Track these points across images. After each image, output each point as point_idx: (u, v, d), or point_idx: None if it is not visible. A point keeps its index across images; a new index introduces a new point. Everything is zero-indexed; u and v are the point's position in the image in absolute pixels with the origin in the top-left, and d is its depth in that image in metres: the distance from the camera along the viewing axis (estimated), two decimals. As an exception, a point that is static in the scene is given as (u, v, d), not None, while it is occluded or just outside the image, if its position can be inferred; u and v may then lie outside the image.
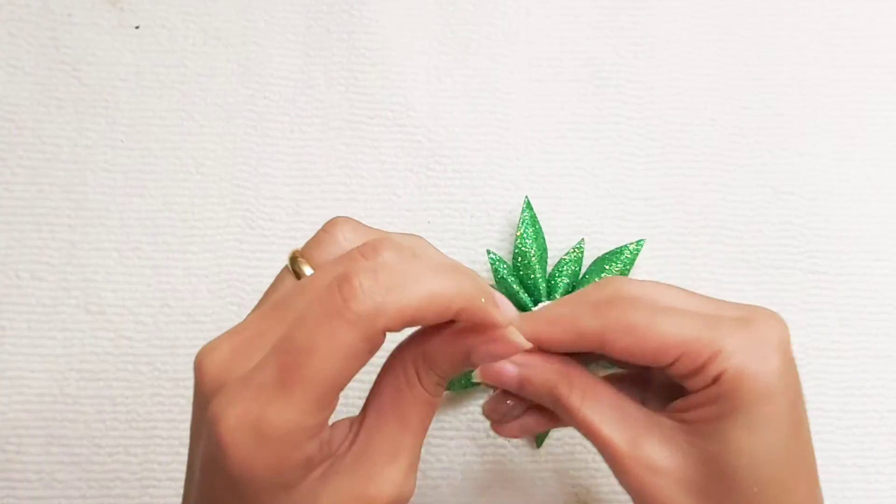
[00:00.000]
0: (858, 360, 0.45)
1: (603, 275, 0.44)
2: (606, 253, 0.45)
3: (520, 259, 0.43)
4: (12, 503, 0.41)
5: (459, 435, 0.43)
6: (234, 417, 0.24)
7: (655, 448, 0.30)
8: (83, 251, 0.45)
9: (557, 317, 0.31)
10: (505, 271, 0.43)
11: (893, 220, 0.47)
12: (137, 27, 0.49)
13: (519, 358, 0.31)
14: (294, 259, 0.30)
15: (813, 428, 0.44)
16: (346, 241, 0.30)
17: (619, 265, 0.44)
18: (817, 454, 0.44)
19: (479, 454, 0.43)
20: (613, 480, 0.43)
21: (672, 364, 0.29)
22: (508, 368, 0.31)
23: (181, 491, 0.41)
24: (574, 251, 0.45)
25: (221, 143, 0.47)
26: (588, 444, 0.43)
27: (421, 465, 0.43)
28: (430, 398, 0.28)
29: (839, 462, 0.44)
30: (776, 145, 0.48)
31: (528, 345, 0.28)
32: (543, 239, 0.45)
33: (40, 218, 0.45)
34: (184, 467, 0.42)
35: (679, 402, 0.31)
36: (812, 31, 0.51)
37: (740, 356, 0.28)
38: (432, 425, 0.43)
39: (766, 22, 0.51)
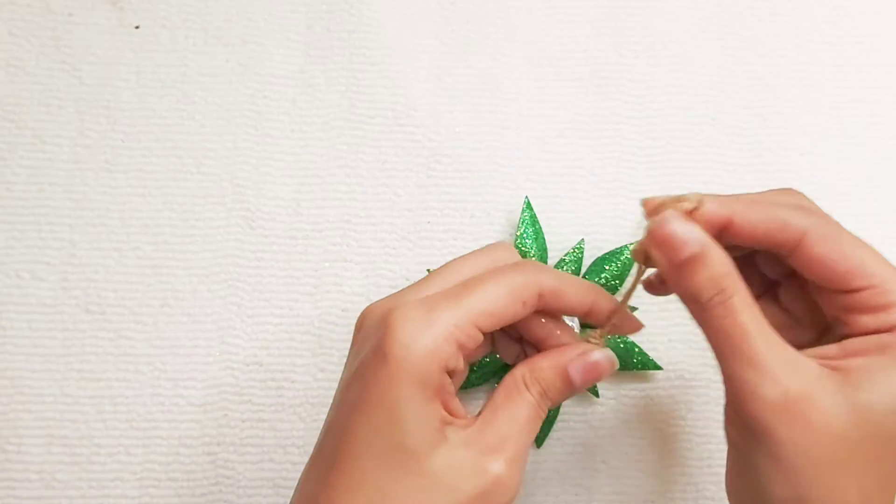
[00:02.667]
0: (858, 360, 0.45)
1: (603, 275, 0.44)
2: (606, 253, 0.45)
3: None
4: (12, 503, 0.41)
5: (459, 435, 0.43)
6: (408, 309, 0.29)
7: (806, 392, 0.28)
8: (83, 251, 0.45)
9: (759, 200, 0.30)
10: None
11: (893, 220, 0.47)
12: (138, 27, 0.49)
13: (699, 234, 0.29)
14: None
15: (813, 428, 0.45)
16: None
17: (619, 265, 0.44)
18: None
19: (479, 454, 0.43)
20: (613, 480, 0.43)
21: (853, 292, 0.28)
22: (693, 235, 0.28)
23: (181, 491, 0.42)
24: (574, 251, 0.45)
25: (222, 143, 0.47)
26: (588, 443, 0.43)
27: (421, 465, 0.43)
28: (535, 403, 0.31)
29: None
30: (776, 145, 0.48)
31: (615, 361, 0.33)
32: (543, 239, 0.45)
33: (41, 218, 0.45)
34: (184, 467, 0.42)
35: (831, 348, 0.29)
36: (812, 30, 0.51)
37: None
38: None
39: (767, 21, 0.51)
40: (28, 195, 0.46)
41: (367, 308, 0.32)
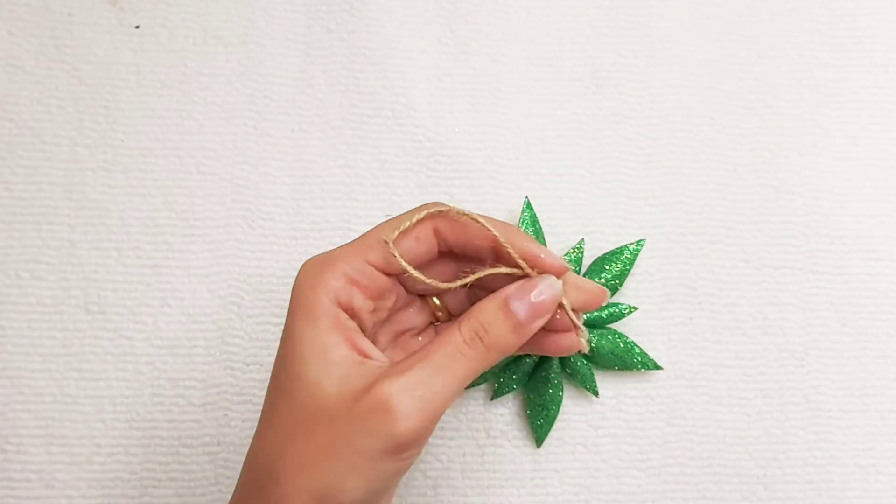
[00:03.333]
0: (859, 360, 0.45)
1: (603, 275, 0.44)
2: (606, 253, 0.45)
3: None
4: (12, 503, 0.41)
5: (459, 435, 0.43)
6: (310, 259, 0.31)
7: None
8: (83, 251, 0.45)
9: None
10: None
11: (893, 220, 0.47)
12: (137, 27, 0.49)
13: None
14: None
15: (814, 428, 0.45)
16: None
17: (619, 265, 0.44)
18: (817, 454, 0.44)
19: (479, 454, 0.43)
20: (613, 480, 0.43)
21: None
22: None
23: (181, 491, 0.42)
24: (574, 251, 0.45)
25: (221, 143, 0.47)
26: (588, 443, 0.43)
27: (421, 465, 0.43)
28: (461, 343, 0.30)
29: (840, 462, 0.44)
30: (776, 145, 0.48)
31: (557, 290, 0.31)
32: (543, 239, 0.45)
33: (40, 217, 0.45)
34: (184, 467, 0.42)
35: None
36: (812, 30, 0.51)
37: None
38: (432, 425, 0.43)
39: (766, 21, 0.51)
40: (27, 195, 0.46)
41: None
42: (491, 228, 0.31)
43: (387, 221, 0.32)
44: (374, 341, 0.33)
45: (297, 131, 0.47)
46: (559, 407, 0.43)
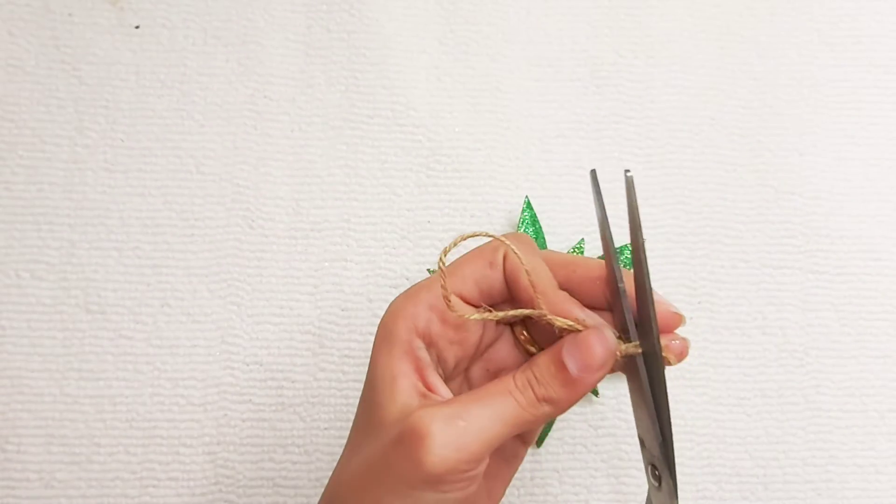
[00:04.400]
0: (859, 360, 0.45)
1: None
2: None
3: None
4: (12, 503, 0.41)
5: (459, 435, 0.43)
6: (397, 297, 0.31)
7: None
8: (83, 250, 0.45)
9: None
10: None
11: (893, 220, 0.47)
12: (137, 27, 0.49)
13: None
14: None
15: (813, 428, 0.45)
16: None
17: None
18: (817, 454, 0.44)
19: (479, 454, 0.43)
20: (613, 480, 0.43)
21: None
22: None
23: (181, 491, 0.42)
24: (574, 251, 0.45)
25: (221, 143, 0.47)
26: (588, 444, 0.43)
27: (421, 465, 0.43)
28: (513, 390, 0.28)
29: (839, 462, 0.44)
30: (776, 145, 0.48)
31: (610, 342, 0.29)
32: (543, 238, 0.45)
33: (40, 217, 0.45)
34: (184, 467, 0.42)
35: None
36: (812, 30, 0.51)
37: None
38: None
39: (766, 22, 0.51)
40: (27, 195, 0.46)
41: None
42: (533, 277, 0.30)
43: (466, 255, 0.32)
44: (466, 378, 0.32)
45: (297, 131, 0.47)
46: None
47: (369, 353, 0.44)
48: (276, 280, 0.45)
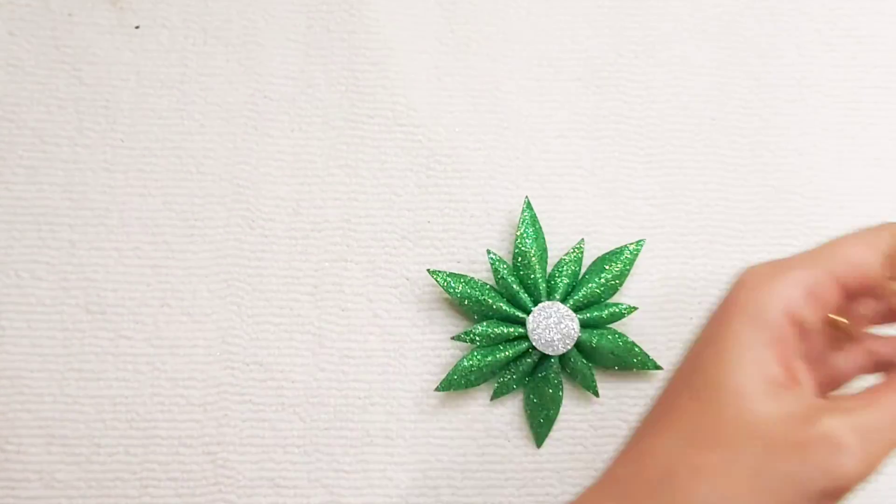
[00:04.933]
0: (858, 360, 0.45)
1: (603, 275, 0.44)
2: (606, 253, 0.45)
3: (520, 259, 0.43)
4: (11, 503, 0.41)
5: (459, 435, 0.43)
6: (760, 265, 0.29)
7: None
8: (83, 251, 0.45)
9: None
10: (505, 271, 0.43)
11: (893, 220, 0.47)
12: (137, 27, 0.49)
13: None
14: None
15: (813, 428, 0.44)
16: None
17: (619, 265, 0.44)
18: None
19: (479, 454, 0.43)
20: (613, 480, 0.43)
21: None
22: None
23: (181, 491, 0.42)
24: (574, 251, 0.45)
25: (221, 143, 0.47)
26: (588, 444, 0.43)
27: (421, 466, 0.43)
28: None
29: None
30: (776, 145, 0.48)
31: None
32: (543, 239, 0.45)
33: (40, 217, 0.45)
34: (184, 467, 0.42)
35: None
36: (812, 31, 0.51)
37: None
38: (432, 426, 0.43)
39: (766, 22, 0.51)
40: (27, 195, 0.46)
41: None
42: None
43: (859, 233, 0.29)
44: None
45: (297, 131, 0.47)
46: (559, 407, 0.43)
47: (369, 353, 0.44)
48: (276, 280, 0.45)
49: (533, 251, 0.44)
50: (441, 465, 0.43)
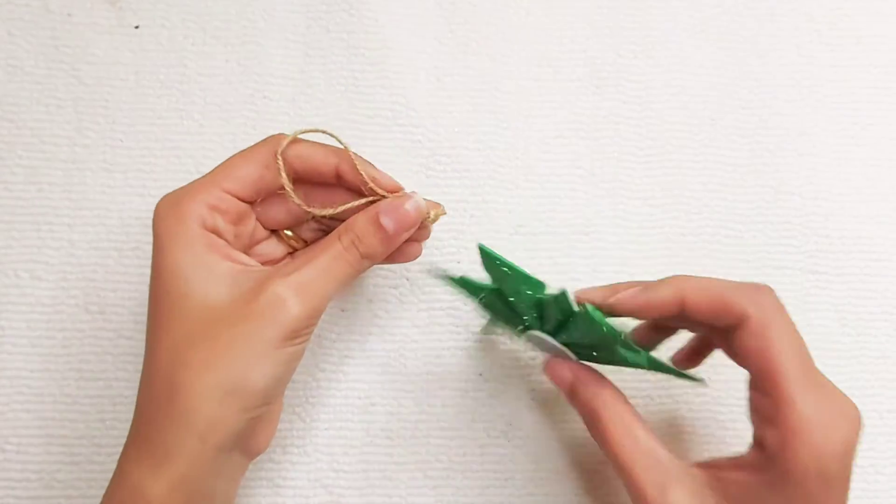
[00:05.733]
0: (858, 360, 0.45)
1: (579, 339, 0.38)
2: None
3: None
4: (11, 503, 0.41)
5: (459, 435, 0.43)
6: (166, 196, 0.35)
7: (683, 500, 0.32)
8: (82, 250, 0.45)
9: (710, 284, 0.35)
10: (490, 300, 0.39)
11: (893, 219, 0.47)
12: (137, 27, 0.49)
13: (575, 369, 0.37)
14: None
15: (813, 428, 0.45)
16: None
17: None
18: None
19: (479, 454, 0.43)
20: (613, 480, 0.43)
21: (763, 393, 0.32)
22: (565, 374, 0.38)
23: (181, 491, 0.42)
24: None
25: (221, 143, 0.47)
26: (588, 444, 0.43)
27: (421, 465, 0.43)
28: (342, 249, 0.35)
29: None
30: (776, 145, 0.48)
31: (421, 206, 0.37)
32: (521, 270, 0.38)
33: (39, 217, 0.45)
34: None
35: (719, 459, 0.33)
36: (812, 31, 0.51)
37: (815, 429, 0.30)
38: (432, 425, 0.43)
39: (766, 22, 0.51)
40: (27, 195, 0.45)
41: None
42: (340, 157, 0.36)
43: (236, 156, 0.36)
44: None
45: (297, 131, 0.47)
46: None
47: (369, 353, 0.44)
48: (275, 280, 0.45)
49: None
50: (441, 465, 0.43)
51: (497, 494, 0.43)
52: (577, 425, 0.44)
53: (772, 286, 0.46)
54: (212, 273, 0.33)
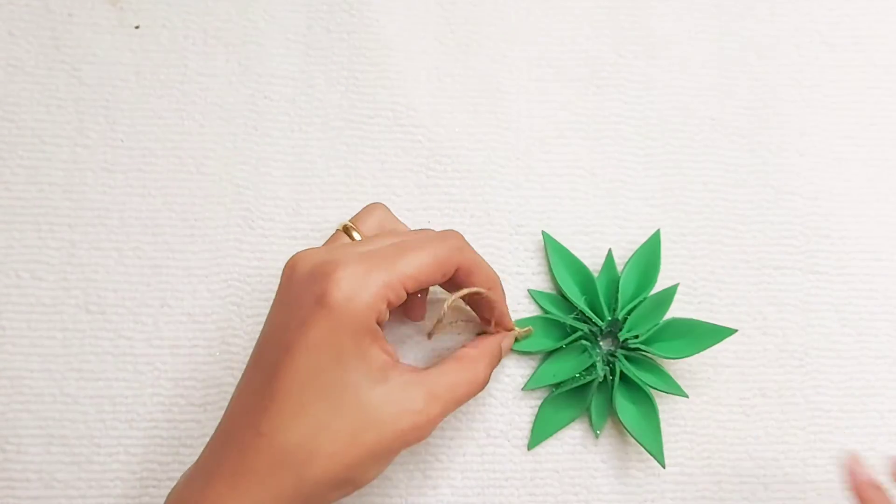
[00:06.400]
0: (858, 360, 0.45)
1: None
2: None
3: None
4: (12, 503, 0.41)
5: (459, 435, 0.43)
6: (350, 265, 0.34)
7: None
8: (83, 251, 0.45)
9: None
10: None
11: (893, 219, 0.47)
12: (137, 27, 0.49)
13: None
14: (346, 227, 0.39)
15: (813, 428, 0.45)
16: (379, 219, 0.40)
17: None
18: (817, 454, 0.44)
19: (478, 454, 0.43)
20: (614, 480, 0.43)
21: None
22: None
23: (181, 491, 0.42)
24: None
25: (221, 143, 0.47)
26: (588, 444, 0.43)
27: (421, 465, 0.43)
28: (483, 370, 0.38)
29: (839, 462, 0.44)
30: (776, 145, 0.48)
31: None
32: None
33: (40, 217, 0.45)
34: (184, 467, 0.42)
35: None
36: (812, 31, 0.51)
37: None
38: (432, 425, 0.43)
39: (766, 22, 0.51)
40: (27, 195, 0.46)
41: (298, 255, 0.36)
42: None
43: (421, 251, 0.36)
44: None
45: (297, 131, 0.47)
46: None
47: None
48: (275, 280, 0.45)
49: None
50: (441, 465, 0.43)
51: (497, 494, 0.43)
52: (578, 425, 0.44)
53: (771, 286, 0.46)
54: (371, 368, 0.33)
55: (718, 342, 0.43)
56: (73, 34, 0.48)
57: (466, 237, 0.46)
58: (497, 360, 0.40)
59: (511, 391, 0.44)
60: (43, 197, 0.46)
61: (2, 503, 0.41)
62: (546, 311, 0.44)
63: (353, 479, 0.33)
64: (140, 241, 0.45)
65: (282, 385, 0.33)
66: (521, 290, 0.45)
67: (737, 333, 0.44)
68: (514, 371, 0.44)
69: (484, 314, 0.41)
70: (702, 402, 0.44)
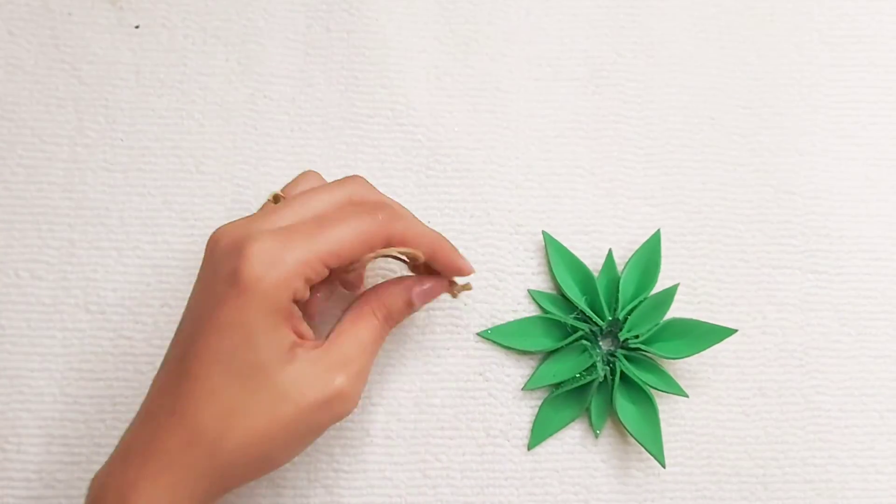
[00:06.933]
0: (858, 360, 0.45)
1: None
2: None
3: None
4: (12, 503, 0.41)
5: (459, 435, 0.43)
6: (264, 241, 0.32)
7: None
8: (83, 250, 0.45)
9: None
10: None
11: (893, 219, 0.47)
12: (137, 26, 0.49)
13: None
14: (277, 196, 0.38)
15: (813, 428, 0.45)
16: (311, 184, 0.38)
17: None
18: (817, 454, 0.44)
19: (478, 454, 0.43)
20: (613, 480, 0.43)
21: None
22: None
23: (181, 490, 0.42)
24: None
25: (221, 142, 0.47)
26: (588, 444, 0.43)
27: (420, 465, 0.43)
28: (380, 325, 0.37)
29: (839, 462, 0.44)
30: (776, 145, 0.48)
31: (444, 285, 0.40)
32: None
33: (40, 217, 0.45)
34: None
35: None
36: (812, 30, 0.51)
37: None
38: (431, 425, 0.43)
39: (766, 22, 0.51)
40: (27, 194, 0.45)
41: (219, 231, 0.35)
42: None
43: (342, 226, 0.34)
44: None
45: (297, 131, 0.47)
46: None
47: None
48: (275, 280, 0.45)
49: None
50: (441, 465, 0.43)
51: (497, 494, 0.43)
52: (577, 425, 0.44)
53: (771, 286, 0.46)
54: (281, 348, 0.33)
55: (718, 342, 0.43)
56: (73, 33, 0.48)
57: (466, 237, 0.46)
58: (400, 313, 0.38)
59: (511, 391, 0.44)
60: (42, 196, 0.46)
61: (2, 503, 0.41)
62: (546, 311, 0.44)
63: (269, 455, 0.33)
64: (139, 241, 0.45)
65: (193, 365, 0.32)
66: (521, 290, 0.45)
67: (736, 333, 0.44)
68: (514, 371, 0.44)
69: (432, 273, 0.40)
70: (702, 402, 0.44)
